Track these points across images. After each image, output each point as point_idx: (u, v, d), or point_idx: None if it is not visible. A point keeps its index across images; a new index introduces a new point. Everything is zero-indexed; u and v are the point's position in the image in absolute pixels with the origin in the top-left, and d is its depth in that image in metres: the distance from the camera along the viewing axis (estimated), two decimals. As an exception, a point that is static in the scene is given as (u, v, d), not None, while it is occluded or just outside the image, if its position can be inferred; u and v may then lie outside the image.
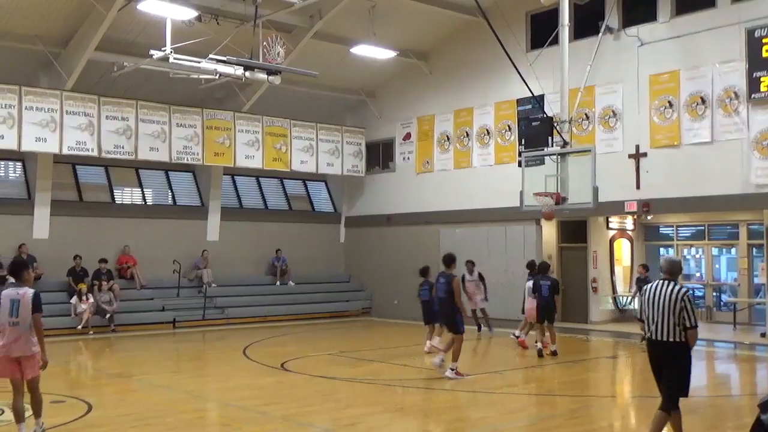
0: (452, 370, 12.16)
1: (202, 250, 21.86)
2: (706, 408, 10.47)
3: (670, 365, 7.43)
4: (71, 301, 18.77)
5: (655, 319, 7.44)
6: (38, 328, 8.13)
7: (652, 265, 17.86)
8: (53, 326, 18.17)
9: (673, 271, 7.62)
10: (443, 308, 12.73)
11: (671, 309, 7.34)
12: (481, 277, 18.69)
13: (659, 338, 7.42)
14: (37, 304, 8.14)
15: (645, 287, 7.69)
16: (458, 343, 12.26)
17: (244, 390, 11.61)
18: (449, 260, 12.61)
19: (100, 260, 19.60)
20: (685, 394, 7.47)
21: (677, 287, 7.46)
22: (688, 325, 7.34)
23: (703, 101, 16.78)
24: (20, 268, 8.61)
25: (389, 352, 16.17)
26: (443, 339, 13.00)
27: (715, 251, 21.31)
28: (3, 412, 9.55)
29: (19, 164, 20.17)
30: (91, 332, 18.51)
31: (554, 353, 14.54)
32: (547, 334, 14.92)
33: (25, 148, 17.98)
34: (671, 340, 7.38)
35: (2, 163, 20.23)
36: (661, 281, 7.54)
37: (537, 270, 15.46)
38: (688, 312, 7.33)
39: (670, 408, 7.41)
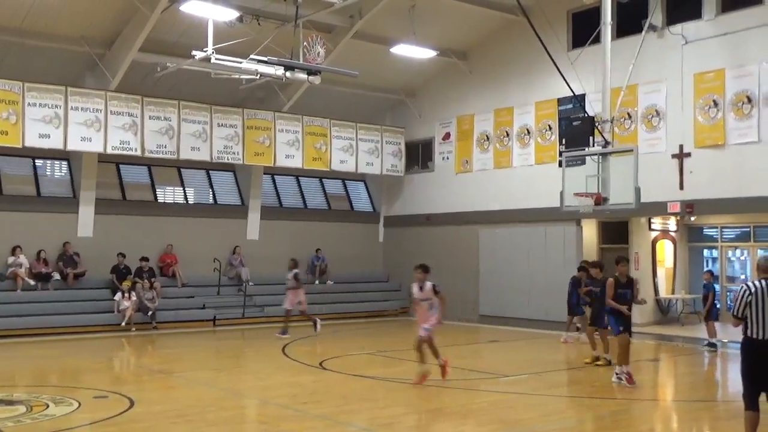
0: (617, 375, 11.93)
1: (235, 246, 22.03)
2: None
3: None
4: (115, 298, 19.07)
5: (766, 320, 7.35)
6: None
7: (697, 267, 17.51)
8: (97, 323, 18.61)
9: None
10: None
11: None
12: (297, 278, 18.57)
13: None
14: None
15: (748, 287, 7.49)
16: (618, 346, 11.92)
17: (282, 388, 11.67)
18: (616, 260, 12.43)
19: (141, 258, 19.89)
20: None
21: None
22: None
23: (750, 100, 16.44)
24: None
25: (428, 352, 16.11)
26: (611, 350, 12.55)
27: (760, 253, 20.85)
28: (47, 406, 9.74)
29: (64, 163, 20.55)
30: (134, 329, 18.79)
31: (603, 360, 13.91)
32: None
33: (70, 147, 18.32)
34: None
35: (48, 162, 20.64)
36: (765, 281, 7.47)
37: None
38: None
39: None
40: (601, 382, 12.48)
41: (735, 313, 7.55)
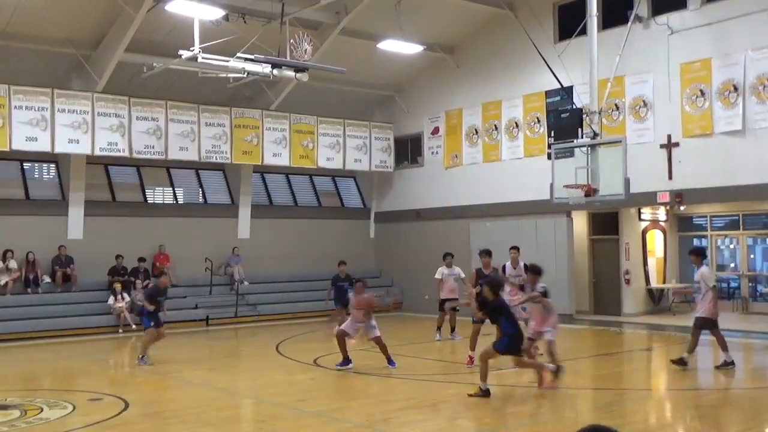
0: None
1: (233, 247, 22.01)
2: (744, 400, 10.34)
3: None
4: (109, 300, 19.00)
5: None
6: None
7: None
8: (91, 325, 18.55)
9: None
10: None
11: None
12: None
13: None
14: None
15: None
16: None
17: (277, 386, 11.67)
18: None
19: (139, 259, 19.89)
20: None
21: None
22: None
23: (736, 89, 16.52)
24: None
25: (421, 347, 16.16)
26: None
27: (749, 241, 21.00)
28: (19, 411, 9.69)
29: (52, 166, 20.48)
30: (121, 331, 18.74)
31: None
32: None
33: (58, 149, 18.23)
34: None
35: (36, 164, 20.56)
36: None
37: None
38: None
39: None
40: (595, 372, 12.53)
41: None
